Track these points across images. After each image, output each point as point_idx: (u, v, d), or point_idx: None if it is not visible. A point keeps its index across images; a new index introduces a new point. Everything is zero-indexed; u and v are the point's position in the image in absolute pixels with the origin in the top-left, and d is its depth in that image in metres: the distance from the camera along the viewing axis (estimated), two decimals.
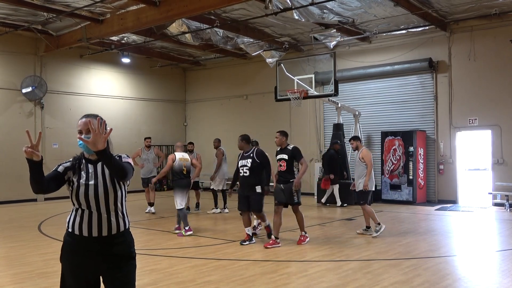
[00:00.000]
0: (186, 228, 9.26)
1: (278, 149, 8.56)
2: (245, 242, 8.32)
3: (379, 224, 9.10)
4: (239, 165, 8.35)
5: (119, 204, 3.10)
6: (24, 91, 15.97)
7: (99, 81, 18.37)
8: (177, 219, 9.54)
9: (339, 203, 13.83)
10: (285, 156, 8.30)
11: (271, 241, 8.21)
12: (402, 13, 12.85)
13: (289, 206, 8.40)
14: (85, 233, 3.03)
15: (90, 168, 3.09)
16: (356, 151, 9.56)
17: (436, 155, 14.74)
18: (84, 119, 3.10)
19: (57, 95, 16.96)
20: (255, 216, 9.09)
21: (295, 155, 8.31)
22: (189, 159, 9.78)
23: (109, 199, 3.05)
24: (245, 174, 8.24)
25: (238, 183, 8.63)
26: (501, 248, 8.37)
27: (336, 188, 13.95)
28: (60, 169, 3.12)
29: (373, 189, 9.33)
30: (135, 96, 19.50)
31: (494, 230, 10.42)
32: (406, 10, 12.48)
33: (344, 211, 13.00)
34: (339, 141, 14.44)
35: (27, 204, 15.31)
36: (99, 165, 3.10)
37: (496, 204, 13.37)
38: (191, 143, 13.55)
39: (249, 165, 8.18)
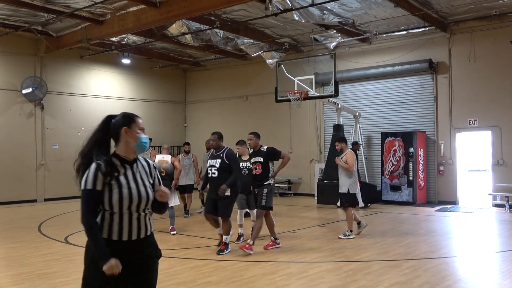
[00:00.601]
0: (171, 227, 9.51)
1: (251, 151, 8.19)
2: (223, 251, 7.63)
3: (351, 231, 9.09)
4: (208, 165, 7.78)
5: (149, 205, 3.10)
6: (24, 92, 15.97)
7: (99, 82, 18.37)
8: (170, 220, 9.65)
9: (361, 204, 13.43)
10: (260, 159, 7.94)
11: (270, 242, 8.07)
12: (402, 14, 12.85)
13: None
14: (124, 237, 2.95)
15: (128, 169, 3.04)
16: (341, 153, 9.36)
17: (436, 156, 14.74)
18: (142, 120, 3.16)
19: (57, 96, 16.96)
20: (253, 222, 8.76)
21: (272, 156, 8.02)
22: (169, 160, 9.71)
23: (148, 200, 3.04)
24: (213, 175, 7.61)
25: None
26: (501, 249, 8.37)
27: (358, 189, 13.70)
28: (98, 187, 2.90)
29: (356, 192, 9.28)
30: (135, 97, 19.51)
31: (494, 231, 10.42)
32: (406, 11, 12.48)
33: (342, 211, 12.95)
34: (358, 142, 14.26)
35: (27, 204, 15.31)
36: (134, 166, 3.08)
37: (496, 205, 13.37)
38: (187, 143, 13.23)
39: (217, 165, 7.59)
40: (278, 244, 8.11)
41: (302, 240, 8.98)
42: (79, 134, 17.49)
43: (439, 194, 14.66)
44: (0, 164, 15.34)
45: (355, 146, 14.05)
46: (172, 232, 9.46)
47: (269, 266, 6.90)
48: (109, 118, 3.10)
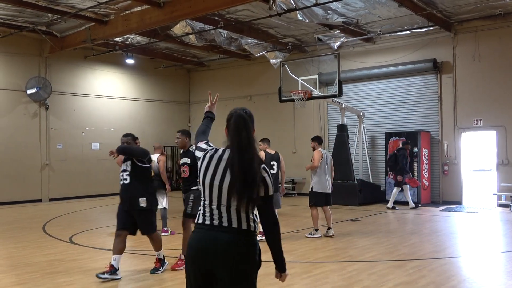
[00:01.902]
0: (164, 228, 9.39)
1: (181, 151, 7.14)
2: (158, 270, 6.54)
3: (317, 230, 9.07)
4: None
5: None
6: (28, 92, 16.02)
7: (103, 82, 18.41)
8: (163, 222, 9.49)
9: (412, 205, 13.42)
10: (188, 160, 6.84)
11: (178, 262, 6.78)
12: (406, 14, 12.83)
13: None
14: None
15: None
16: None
17: (441, 156, 14.69)
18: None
19: (61, 96, 17.01)
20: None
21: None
22: (155, 161, 9.38)
23: None
24: (125, 181, 6.30)
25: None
26: (506, 249, 8.34)
27: (407, 189, 13.56)
28: None
29: (321, 191, 9.08)
30: (139, 97, 19.54)
31: (499, 231, 10.38)
32: (410, 11, 12.45)
33: (347, 211, 12.96)
34: (409, 142, 14.09)
35: (32, 204, 15.35)
36: None
37: (501, 205, 13.32)
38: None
39: (129, 169, 6.37)
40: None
41: (306, 240, 8.97)
42: (83, 134, 17.55)
43: (443, 194, 14.62)
44: (5, 164, 15.39)
45: (406, 145, 13.83)
46: (163, 234, 9.16)
47: (272, 265, 6.85)
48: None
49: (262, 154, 9.00)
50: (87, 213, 13.51)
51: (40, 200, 16.06)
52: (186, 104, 21.46)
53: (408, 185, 13.63)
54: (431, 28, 13.97)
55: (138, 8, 12.72)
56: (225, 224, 2.82)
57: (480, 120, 13.97)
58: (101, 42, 14.93)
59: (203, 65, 20.39)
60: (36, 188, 16.14)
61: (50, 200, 16.25)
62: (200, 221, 2.91)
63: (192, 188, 6.86)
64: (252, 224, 2.85)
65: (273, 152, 9.28)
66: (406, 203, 13.88)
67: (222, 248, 2.77)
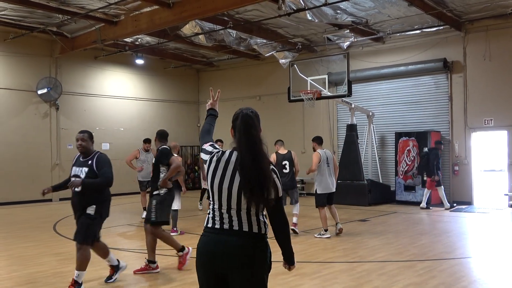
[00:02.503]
0: (173, 228, 9.43)
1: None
2: (110, 278, 6.10)
3: (326, 230, 9.13)
4: (72, 173, 5.83)
5: None
6: (39, 92, 16.14)
7: (113, 82, 18.50)
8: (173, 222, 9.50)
9: (447, 205, 13.28)
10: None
11: (143, 265, 6.61)
12: (416, 13, 12.76)
13: None
14: None
15: None
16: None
17: (451, 156, 14.60)
18: None
19: (72, 96, 17.12)
20: (296, 208, 9.24)
21: (160, 159, 6.60)
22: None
23: None
24: (76, 188, 5.54)
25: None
26: None
27: (441, 190, 13.42)
28: None
29: (324, 192, 9.21)
30: (148, 97, 19.61)
31: (510, 232, 10.28)
32: (420, 10, 12.39)
33: (357, 212, 12.91)
34: (442, 141, 13.89)
35: (43, 204, 15.45)
36: None
37: None
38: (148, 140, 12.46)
39: (83, 175, 5.63)
40: (153, 269, 6.52)
41: (315, 240, 8.96)
42: (93, 134, 17.62)
43: (454, 194, 14.51)
44: (16, 164, 15.52)
45: (438, 145, 13.62)
46: (172, 234, 9.14)
47: (281, 266, 6.87)
48: None
49: (273, 157, 9.35)
50: None
51: (50, 200, 16.15)
52: (195, 104, 21.51)
53: (442, 186, 13.44)
54: (441, 27, 13.89)
55: (148, 9, 12.77)
56: (235, 228, 2.79)
57: (491, 120, 13.86)
58: (111, 43, 15.01)
59: (212, 65, 20.42)
60: None
61: (61, 199, 16.32)
62: (210, 225, 2.87)
63: (154, 193, 6.65)
64: (263, 227, 2.83)
65: (285, 152, 9.51)
66: (417, 203, 13.83)
67: (233, 252, 2.75)
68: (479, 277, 6.50)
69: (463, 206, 13.60)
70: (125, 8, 12.82)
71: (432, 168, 13.24)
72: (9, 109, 15.60)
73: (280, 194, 2.86)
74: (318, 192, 9.25)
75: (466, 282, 6.07)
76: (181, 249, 6.61)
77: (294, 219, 9.36)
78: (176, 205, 9.46)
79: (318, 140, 9.52)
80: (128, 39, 15.78)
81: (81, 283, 5.66)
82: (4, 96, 15.49)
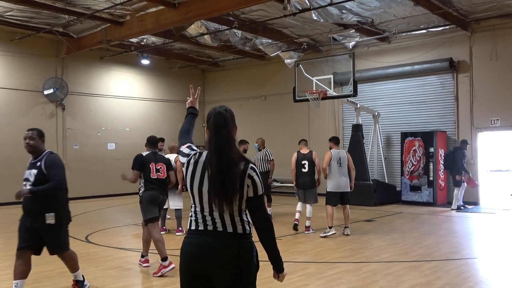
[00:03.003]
0: (179, 228, 9.56)
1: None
2: None
3: (330, 227, 9.25)
4: (24, 177, 5.44)
5: None
6: (46, 92, 16.21)
7: (119, 83, 18.55)
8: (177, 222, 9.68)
9: (455, 206, 13.15)
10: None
11: (143, 259, 6.98)
12: (422, 13, 12.72)
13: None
14: None
15: None
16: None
17: None
18: None
19: (78, 96, 17.18)
20: (308, 212, 9.59)
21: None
22: (173, 161, 9.24)
23: None
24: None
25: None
26: None
27: (458, 190, 13.32)
28: None
29: (334, 190, 9.44)
30: (154, 97, 19.65)
31: None
32: (426, 10, 12.34)
33: (362, 212, 12.88)
34: (467, 141, 13.63)
35: None
36: None
37: None
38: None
39: (32, 179, 5.27)
40: (167, 266, 6.44)
41: (320, 240, 8.95)
42: (99, 134, 17.71)
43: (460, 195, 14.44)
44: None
45: (464, 144, 13.42)
46: (178, 233, 9.43)
47: (287, 266, 6.84)
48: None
49: (294, 156, 9.83)
50: (103, 213, 13.62)
51: None
52: (200, 104, 21.32)
53: (465, 184, 13.34)
54: (447, 27, 13.84)
55: (153, 9, 12.81)
56: (219, 229, 2.73)
57: (498, 120, 13.80)
58: (116, 43, 15.06)
59: (217, 65, 20.44)
60: None
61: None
62: (193, 227, 2.81)
63: (140, 194, 6.95)
64: (247, 226, 2.78)
65: (306, 151, 9.86)
66: (423, 204, 13.79)
67: (218, 253, 2.70)
68: (485, 277, 6.47)
69: (470, 207, 13.54)
70: (130, 8, 12.86)
71: (461, 167, 13.10)
72: (15, 109, 15.67)
73: (260, 192, 2.77)
74: (328, 190, 9.49)
75: (472, 282, 6.05)
76: (165, 259, 6.45)
77: (307, 223, 9.68)
78: (178, 204, 9.59)
79: (334, 140, 9.89)
80: (133, 40, 15.83)
81: (83, 279, 5.67)
82: (11, 96, 15.56)
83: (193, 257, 2.75)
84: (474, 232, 10.18)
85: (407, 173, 14.52)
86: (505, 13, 13.02)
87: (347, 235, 9.31)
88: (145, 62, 18.24)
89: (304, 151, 9.85)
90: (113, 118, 18.20)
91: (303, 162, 9.70)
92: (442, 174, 14.20)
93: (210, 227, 2.75)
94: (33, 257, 7.46)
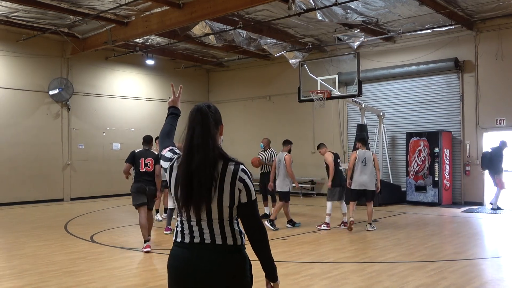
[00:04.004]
0: (167, 227, 9.74)
1: None
2: None
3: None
4: None
5: None
6: (51, 93, 16.27)
7: (124, 83, 18.59)
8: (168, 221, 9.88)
9: (495, 205, 13.06)
10: None
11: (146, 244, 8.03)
12: (427, 12, 12.69)
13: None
14: None
15: None
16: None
17: (462, 156, 14.49)
18: None
19: (83, 96, 17.23)
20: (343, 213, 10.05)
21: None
22: None
23: None
24: None
25: None
26: None
27: (498, 191, 13.16)
28: None
29: (354, 188, 9.96)
30: (159, 98, 19.67)
31: None
32: (432, 9, 12.31)
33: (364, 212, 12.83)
34: (506, 142, 13.36)
35: (54, 204, 15.58)
36: None
37: None
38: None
39: None
40: (148, 247, 7.86)
41: (325, 240, 8.95)
42: (104, 134, 17.75)
43: (465, 195, 14.41)
44: (28, 164, 15.65)
45: (503, 145, 13.12)
46: (166, 232, 9.61)
47: (292, 266, 6.88)
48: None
49: (330, 155, 10.34)
50: (108, 212, 13.66)
51: (62, 200, 16.29)
52: None
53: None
54: (453, 26, 13.78)
55: (158, 9, 12.83)
56: (207, 241, 2.46)
57: (503, 119, 13.74)
58: (121, 43, 15.08)
59: (222, 66, 20.46)
60: (58, 188, 16.39)
61: (72, 199, 16.47)
62: (179, 239, 2.54)
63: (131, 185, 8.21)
64: (238, 237, 2.50)
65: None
66: (428, 204, 13.74)
67: (207, 268, 2.43)
68: (491, 278, 6.45)
69: (475, 207, 13.50)
70: (135, 9, 12.88)
71: (498, 167, 12.98)
72: (21, 109, 15.73)
73: (253, 197, 2.51)
74: (351, 187, 9.99)
75: (477, 283, 6.03)
76: (146, 241, 7.86)
77: (344, 219, 10.28)
78: (170, 204, 9.85)
79: (362, 141, 10.36)
80: (138, 40, 15.86)
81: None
82: (16, 96, 15.63)
83: (179, 273, 2.50)
84: (479, 233, 10.14)
85: (412, 173, 14.49)
86: (510, 13, 12.96)
87: (372, 229, 9.84)
88: (150, 62, 18.28)
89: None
90: (118, 118, 18.24)
91: (337, 160, 10.43)
92: (447, 174, 14.16)
93: (196, 239, 2.48)
94: (37, 256, 7.47)
